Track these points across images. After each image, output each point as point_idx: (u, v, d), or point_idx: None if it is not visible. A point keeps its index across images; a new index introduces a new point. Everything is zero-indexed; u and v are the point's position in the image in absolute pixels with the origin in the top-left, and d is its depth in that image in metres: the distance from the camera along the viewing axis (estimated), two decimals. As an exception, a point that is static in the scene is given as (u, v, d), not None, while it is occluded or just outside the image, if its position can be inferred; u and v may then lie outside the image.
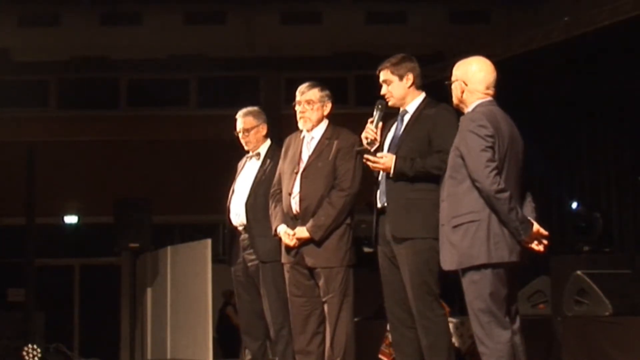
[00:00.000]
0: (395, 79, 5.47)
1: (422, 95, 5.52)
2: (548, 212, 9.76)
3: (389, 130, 5.52)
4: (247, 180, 6.48)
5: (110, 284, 16.28)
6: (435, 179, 5.14)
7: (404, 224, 5.31)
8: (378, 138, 5.45)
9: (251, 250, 6.37)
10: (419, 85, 5.52)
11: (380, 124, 5.46)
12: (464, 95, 4.94)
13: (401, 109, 5.52)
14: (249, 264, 6.40)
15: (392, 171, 5.30)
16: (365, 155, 5.41)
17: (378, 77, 5.55)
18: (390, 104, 5.52)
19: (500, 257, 4.71)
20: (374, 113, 5.48)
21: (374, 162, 5.36)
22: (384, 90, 5.52)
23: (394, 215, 5.36)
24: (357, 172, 5.82)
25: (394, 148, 5.40)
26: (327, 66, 15.52)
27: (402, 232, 5.33)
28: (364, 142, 5.45)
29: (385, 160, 5.33)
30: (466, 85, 4.93)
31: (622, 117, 9.72)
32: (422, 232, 5.22)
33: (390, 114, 5.56)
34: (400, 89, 5.48)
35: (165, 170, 15.82)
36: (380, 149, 5.43)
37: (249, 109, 6.61)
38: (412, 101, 5.49)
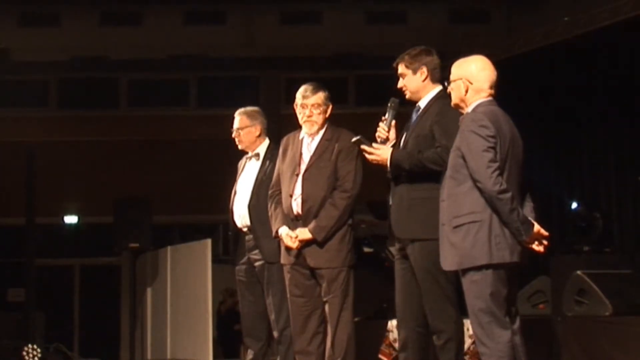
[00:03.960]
0: (409, 72, 5.42)
1: (437, 89, 5.41)
2: (548, 212, 9.76)
3: (397, 126, 5.50)
4: (248, 182, 6.49)
5: (110, 284, 16.27)
6: (436, 177, 5.10)
7: (406, 225, 5.29)
8: (391, 137, 5.42)
9: (257, 251, 6.37)
10: (436, 78, 5.42)
11: (394, 122, 5.44)
12: (468, 95, 4.90)
13: (417, 104, 5.48)
14: (256, 264, 6.41)
15: (388, 163, 5.28)
16: (362, 146, 5.39)
17: (396, 70, 5.49)
18: (407, 97, 5.47)
19: (501, 257, 4.71)
20: (387, 112, 5.45)
21: (369, 152, 5.35)
22: (400, 83, 5.47)
23: (397, 216, 5.34)
24: (358, 173, 5.82)
25: (403, 144, 5.38)
26: (327, 66, 15.50)
27: (404, 233, 5.31)
28: (378, 140, 5.43)
29: (381, 152, 5.31)
30: (471, 83, 4.89)
31: (622, 117, 9.72)
32: (425, 233, 5.17)
33: (404, 111, 5.54)
34: (414, 83, 5.42)
35: (165, 170, 15.81)
36: (395, 147, 5.38)
37: (246, 108, 6.64)
38: (426, 95, 5.42)
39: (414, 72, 5.41)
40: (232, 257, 6.66)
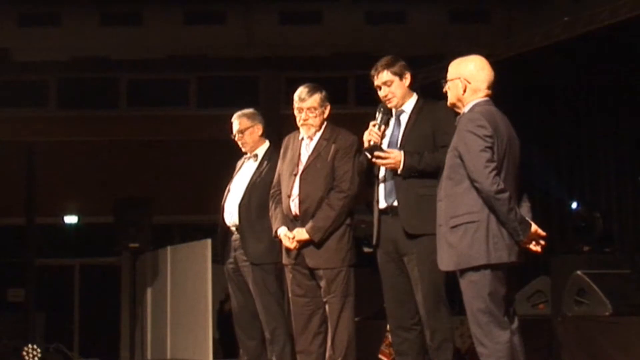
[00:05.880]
0: (395, 78, 5.45)
1: (415, 95, 5.51)
2: (548, 212, 9.76)
3: (385, 131, 5.51)
4: (243, 181, 6.49)
5: (110, 284, 16.29)
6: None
7: (417, 220, 5.27)
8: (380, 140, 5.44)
9: (243, 251, 6.37)
10: (412, 85, 5.51)
11: (383, 127, 5.45)
12: (465, 94, 4.89)
13: (396, 110, 5.49)
14: (241, 264, 6.40)
15: (401, 166, 5.28)
16: (376, 153, 5.36)
17: (373, 81, 5.51)
18: (391, 105, 5.47)
19: (499, 257, 4.70)
20: (377, 116, 5.45)
21: (385, 157, 5.32)
22: (384, 92, 5.46)
23: (407, 213, 5.32)
24: (355, 173, 5.81)
25: (394, 147, 5.38)
26: (327, 66, 15.54)
27: (415, 229, 5.29)
28: (367, 144, 5.43)
29: (395, 155, 5.29)
30: (469, 83, 4.88)
31: (622, 117, 9.73)
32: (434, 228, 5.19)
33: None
34: (401, 88, 5.46)
35: (165, 170, 15.83)
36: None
37: (243, 110, 6.65)
38: (408, 101, 5.47)
39: (400, 78, 5.46)
40: (219, 255, 6.66)
